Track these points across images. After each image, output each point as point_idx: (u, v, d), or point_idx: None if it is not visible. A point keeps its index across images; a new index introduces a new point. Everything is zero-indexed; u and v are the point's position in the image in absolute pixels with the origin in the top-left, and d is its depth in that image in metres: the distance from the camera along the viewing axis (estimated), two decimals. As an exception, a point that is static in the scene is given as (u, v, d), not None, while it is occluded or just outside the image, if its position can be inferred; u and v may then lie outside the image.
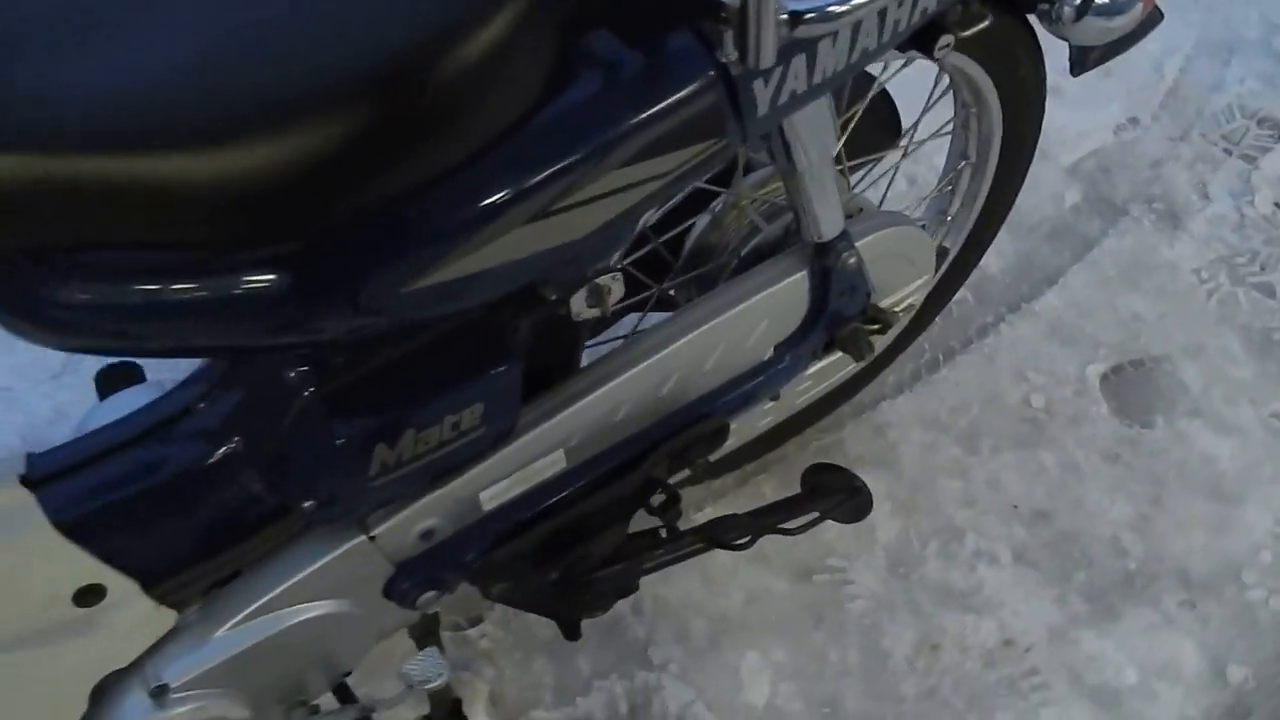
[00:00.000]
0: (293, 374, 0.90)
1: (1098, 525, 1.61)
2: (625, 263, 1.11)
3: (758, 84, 0.87)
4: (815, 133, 1.05)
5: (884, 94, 1.36)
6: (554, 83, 0.81)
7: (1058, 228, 1.97)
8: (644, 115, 0.82)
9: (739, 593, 1.57)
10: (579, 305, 0.98)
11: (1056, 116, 2.06)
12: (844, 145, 1.27)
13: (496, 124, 0.79)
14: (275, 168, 0.70)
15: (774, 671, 1.50)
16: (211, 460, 0.93)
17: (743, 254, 1.26)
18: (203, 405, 0.94)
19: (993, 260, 1.90)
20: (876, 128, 1.38)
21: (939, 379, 1.78)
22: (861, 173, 1.43)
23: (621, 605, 1.54)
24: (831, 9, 0.77)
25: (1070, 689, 1.47)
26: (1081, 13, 1.01)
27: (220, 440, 0.93)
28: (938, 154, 1.56)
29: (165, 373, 1.66)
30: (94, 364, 1.81)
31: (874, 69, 1.26)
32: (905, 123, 1.40)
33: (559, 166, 0.80)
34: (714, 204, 1.27)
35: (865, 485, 1.29)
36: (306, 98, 0.71)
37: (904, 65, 1.26)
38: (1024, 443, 1.70)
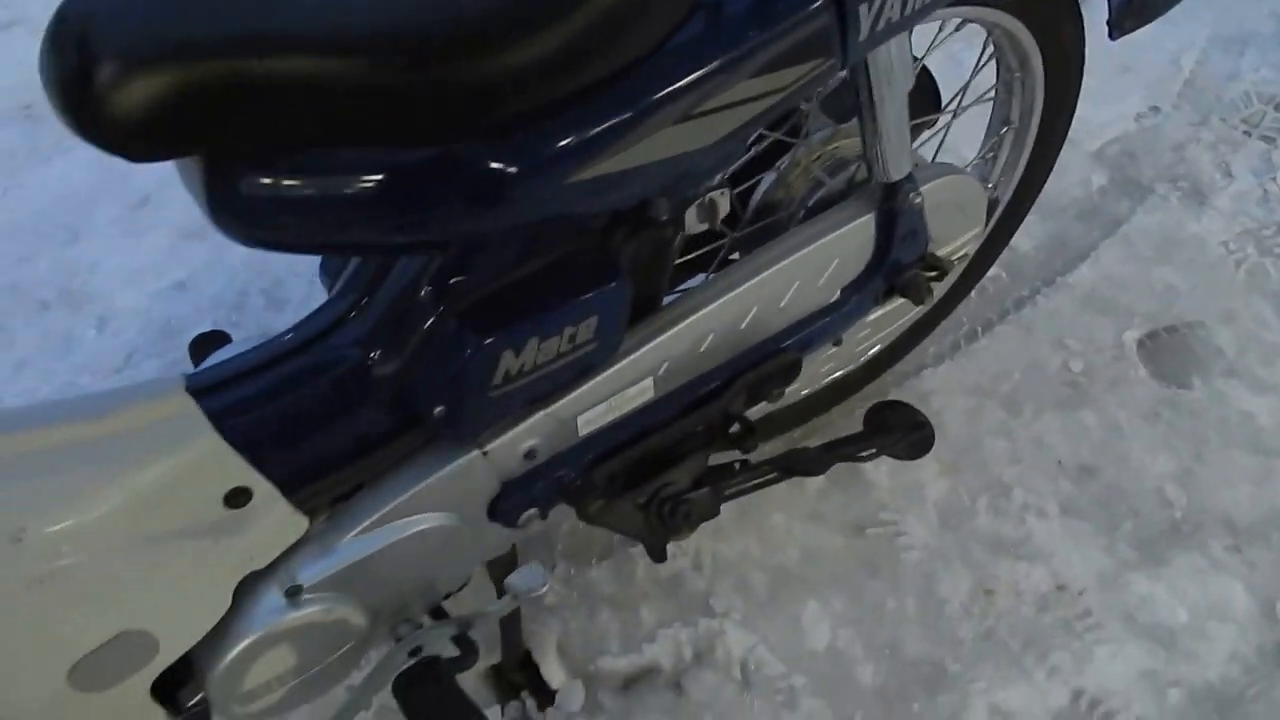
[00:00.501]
0: (431, 287, 1.01)
1: (1142, 479, 1.70)
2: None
3: (862, 9, 0.98)
4: (895, 69, 1.16)
5: (924, 70, 1.47)
6: (695, 6, 0.93)
7: (1087, 208, 2.08)
8: (770, 31, 0.94)
9: (795, 549, 1.66)
10: (691, 220, 1.09)
11: (1080, 107, 2.18)
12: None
13: (648, 39, 0.90)
14: (493, 72, 0.82)
15: (833, 619, 1.58)
16: (352, 374, 1.04)
17: (809, 206, 1.36)
18: (345, 323, 1.05)
19: (1024, 240, 2.01)
20: (918, 99, 1.49)
21: (979, 348, 1.88)
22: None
23: (680, 561, 1.64)
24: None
25: (1124, 628, 1.55)
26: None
27: (361, 354, 1.04)
28: (965, 145, 1.66)
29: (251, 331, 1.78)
30: (150, 364, 1.93)
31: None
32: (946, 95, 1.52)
33: (699, 74, 0.92)
34: (780, 161, 1.38)
35: (927, 420, 1.39)
36: (506, 15, 0.82)
37: (958, 27, 1.38)
38: (1066, 405, 1.80)
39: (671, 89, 0.90)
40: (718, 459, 1.33)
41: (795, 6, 0.95)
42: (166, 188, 2.21)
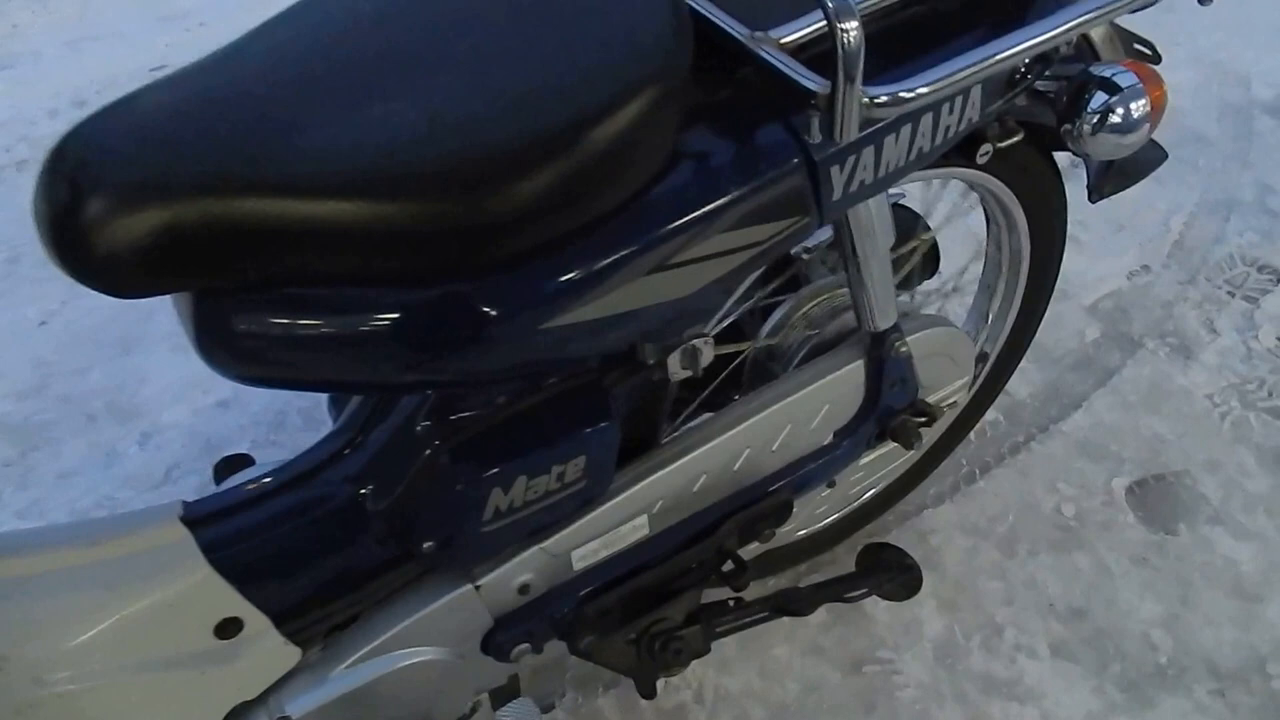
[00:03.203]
0: (425, 424, 0.96)
1: (1129, 622, 1.61)
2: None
3: (834, 170, 0.94)
4: (875, 227, 1.12)
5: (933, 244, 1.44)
6: (672, 160, 0.89)
7: (1080, 359, 2.01)
8: (745, 189, 0.89)
9: (794, 683, 1.57)
10: (674, 366, 1.03)
11: (1076, 264, 2.14)
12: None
13: (626, 190, 0.86)
14: (464, 216, 0.78)
15: (829, 756, 1.49)
16: (346, 508, 0.99)
17: (804, 351, 1.31)
18: (341, 457, 1.00)
19: (1022, 387, 1.95)
20: (923, 263, 1.46)
21: (977, 490, 1.81)
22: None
23: (684, 694, 1.55)
24: (902, 95, 0.84)
25: (1112, 772, 1.45)
26: (1097, 129, 1.08)
27: (355, 489, 0.99)
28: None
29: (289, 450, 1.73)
30: (190, 480, 1.89)
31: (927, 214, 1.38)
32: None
33: (676, 226, 0.87)
34: (776, 313, 1.34)
35: (916, 563, 1.31)
36: (496, 161, 0.78)
37: (970, 193, 1.33)
38: (1058, 547, 1.71)
39: (649, 239, 0.86)
40: (712, 595, 1.25)
41: (769, 166, 0.91)
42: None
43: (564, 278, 0.83)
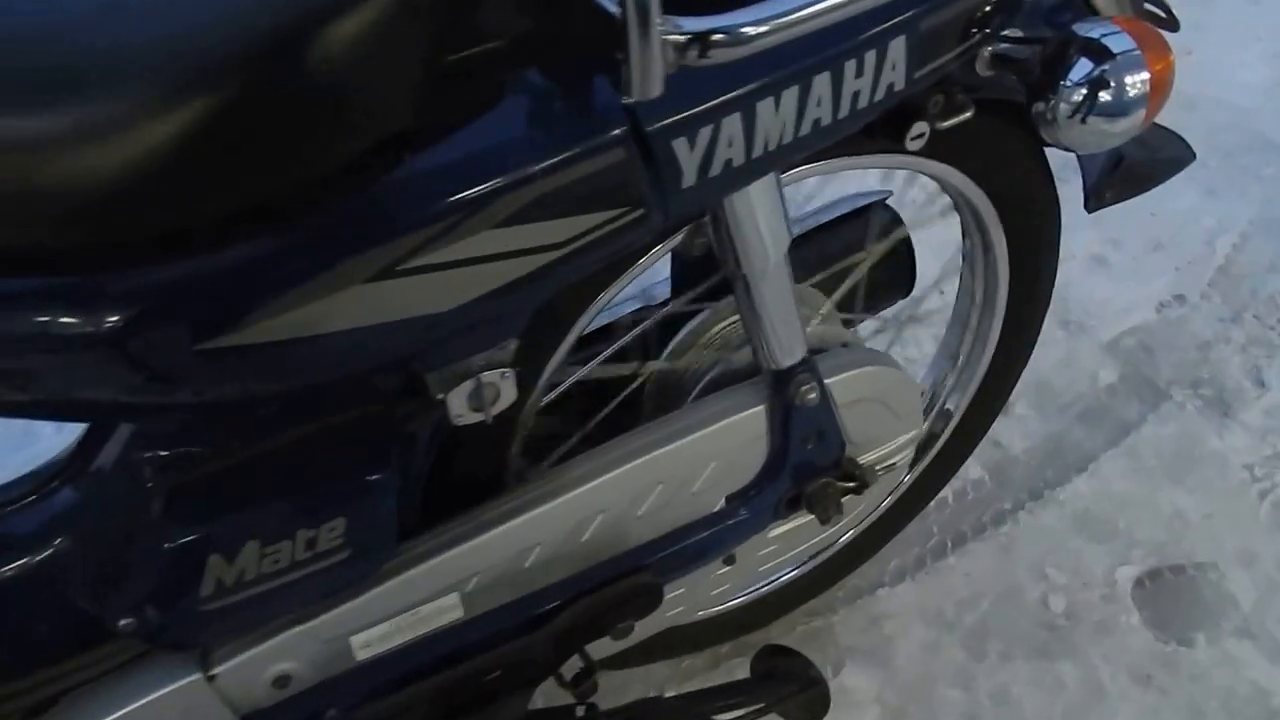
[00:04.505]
0: (136, 458, 0.82)
1: (1123, 761, 1.47)
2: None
3: (678, 144, 0.77)
4: (763, 226, 0.95)
5: (906, 241, 1.30)
6: (422, 118, 0.72)
7: (1091, 408, 1.89)
8: (531, 165, 0.72)
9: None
10: (458, 406, 0.87)
11: (1099, 289, 2.00)
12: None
13: (322, 160, 0.69)
14: (61, 181, 0.61)
15: None
16: (31, 562, 0.85)
17: (702, 384, 1.16)
18: (30, 501, 0.86)
19: (1016, 439, 1.83)
20: (889, 277, 1.31)
21: (947, 568, 1.68)
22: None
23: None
24: (745, 30, 0.67)
25: None
26: (1077, 110, 0.93)
27: (44, 540, 0.86)
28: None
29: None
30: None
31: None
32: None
33: (416, 214, 0.70)
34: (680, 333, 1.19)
35: (822, 677, 1.17)
36: (115, 96, 0.62)
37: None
38: (1040, 652, 1.58)
39: (370, 229, 0.69)
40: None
41: (577, 135, 0.74)
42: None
43: (222, 278, 0.67)
